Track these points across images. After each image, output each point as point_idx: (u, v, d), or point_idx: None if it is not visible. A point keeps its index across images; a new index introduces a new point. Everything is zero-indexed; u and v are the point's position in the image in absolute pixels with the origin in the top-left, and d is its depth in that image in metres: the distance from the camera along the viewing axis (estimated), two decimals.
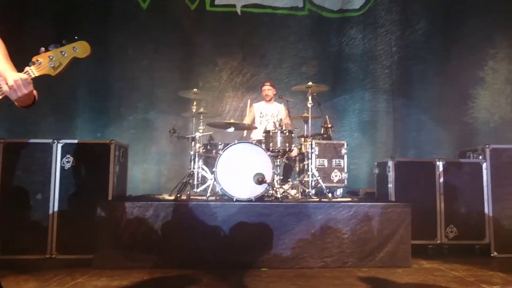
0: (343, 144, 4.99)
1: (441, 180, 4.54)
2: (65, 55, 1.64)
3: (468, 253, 4.46)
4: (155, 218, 3.77)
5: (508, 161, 4.57)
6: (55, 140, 4.22)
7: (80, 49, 1.65)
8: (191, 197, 4.38)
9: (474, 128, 6.33)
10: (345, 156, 4.95)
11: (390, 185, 4.59)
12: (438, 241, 4.46)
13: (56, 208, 4.13)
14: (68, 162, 4.20)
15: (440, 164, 4.58)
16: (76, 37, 1.65)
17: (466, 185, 4.57)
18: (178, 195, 4.27)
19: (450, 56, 6.39)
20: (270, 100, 5.59)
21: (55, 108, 5.85)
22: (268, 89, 5.55)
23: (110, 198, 4.19)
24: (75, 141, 4.32)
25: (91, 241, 3.76)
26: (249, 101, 5.81)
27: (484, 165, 4.58)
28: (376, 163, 5.14)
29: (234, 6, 6.51)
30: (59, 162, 4.19)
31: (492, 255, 4.41)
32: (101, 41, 5.99)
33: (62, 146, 4.22)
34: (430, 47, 6.45)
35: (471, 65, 6.38)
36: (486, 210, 4.51)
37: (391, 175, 4.58)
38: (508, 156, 4.58)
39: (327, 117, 5.06)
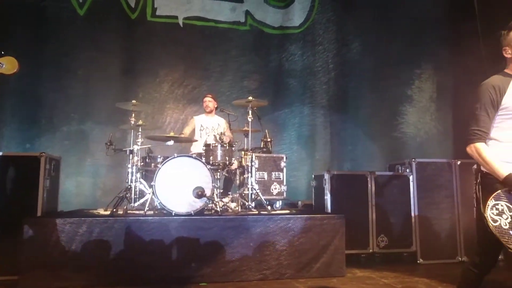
0: (283, 158, 5.11)
1: (373, 192, 4.80)
2: None
3: (397, 260, 4.74)
4: (88, 234, 3.61)
5: (432, 174, 4.94)
6: None
7: (7, 65, 1.57)
8: (128, 212, 4.24)
9: (403, 142, 6.79)
10: (284, 169, 5.08)
11: (327, 197, 4.77)
12: (370, 250, 4.70)
13: None
14: None
15: (372, 177, 4.84)
16: (2, 52, 1.56)
17: (395, 196, 4.87)
18: (114, 210, 4.12)
19: (382, 75, 6.81)
20: (210, 112, 5.59)
21: None
22: (209, 101, 5.56)
23: (39, 214, 3.95)
24: None
25: (16, 261, 3.51)
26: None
27: (411, 178, 4.91)
28: (313, 176, 5.32)
29: (176, 17, 6.47)
30: None
31: (418, 262, 4.72)
32: (33, 48, 5.64)
33: None
34: (364, 66, 6.84)
35: (400, 84, 6.87)
36: (413, 220, 4.84)
37: (327, 187, 4.77)
38: (432, 169, 4.95)
39: (266, 131, 5.17)
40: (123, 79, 6.10)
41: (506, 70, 2.30)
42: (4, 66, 1.54)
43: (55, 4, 5.94)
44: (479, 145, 2.19)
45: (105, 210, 4.57)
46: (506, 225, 2.05)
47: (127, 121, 4.90)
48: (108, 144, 4.66)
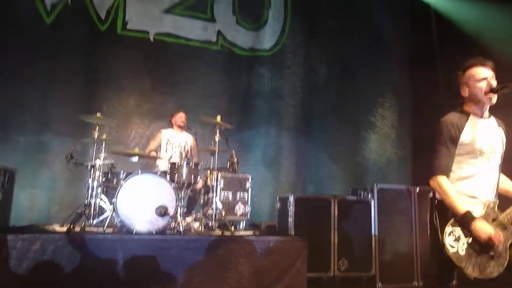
0: (248, 178, 5.12)
1: (336, 215, 4.87)
2: None
3: (357, 284, 4.78)
4: (42, 252, 3.41)
5: (392, 199, 5.07)
6: None
7: None
8: (86, 229, 4.07)
9: (365, 167, 6.99)
10: (249, 190, 5.08)
11: (290, 219, 4.77)
12: (331, 274, 4.72)
13: None
14: None
15: (335, 201, 4.92)
16: None
17: (357, 220, 4.95)
18: (71, 227, 3.95)
19: (346, 101, 7.05)
20: (183, 128, 5.51)
21: None
22: (184, 117, 5.48)
23: None
24: None
25: None
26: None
27: (372, 203, 5.02)
28: (278, 198, 5.32)
29: (147, 32, 6.42)
30: None
31: (377, 286, 4.79)
32: None
33: None
34: (329, 91, 7.06)
35: (364, 111, 7.12)
36: (373, 244, 4.92)
37: (291, 209, 4.79)
38: (391, 195, 5.09)
39: (233, 151, 5.17)
40: (87, 91, 5.92)
41: (464, 108, 2.42)
42: None
43: (20, 10, 5.74)
44: (441, 179, 2.27)
45: (61, 226, 4.35)
46: (462, 250, 2.14)
47: (90, 134, 4.74)
48: (69, 157, 4.48)
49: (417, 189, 5.13)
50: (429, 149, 2.39)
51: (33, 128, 5.63)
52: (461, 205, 2.19)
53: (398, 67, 7.23)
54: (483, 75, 2.31)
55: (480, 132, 2.33)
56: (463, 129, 2.31)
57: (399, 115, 7.28)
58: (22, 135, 5.57)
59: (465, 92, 2.37)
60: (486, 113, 2.40)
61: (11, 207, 4.40)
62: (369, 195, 5.09)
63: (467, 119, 2.35)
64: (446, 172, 2.30)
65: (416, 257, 4.98)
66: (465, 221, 2.16)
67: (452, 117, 2.37)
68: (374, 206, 5.00)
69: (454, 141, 2.31)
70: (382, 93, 7.25)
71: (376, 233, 4.93)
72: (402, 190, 5.15)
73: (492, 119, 2.43)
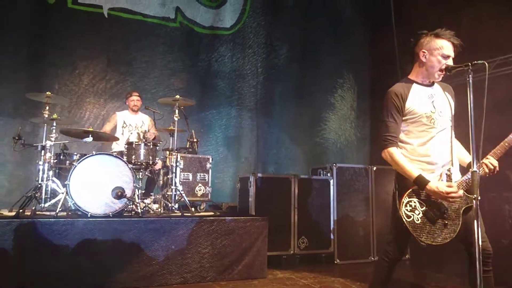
0: (208, 159, 5.05)
1: (296, 195, 4.92)
2: None
3: (316, 261, 4.91)
4: None
5: (349, 178, 5.20)
6: None
7: None
8: (37, 213, 3.87)
9: (325, 147, 7.10)
10: (210, 171, 5.03)
11: (251, 199, 4.79)
12: (292, 252, 4.80)
13: None
14: None
15: (295, 180, 4.96)
16: None
17: (316, 199, 5.05)
18: (21, 211, 3.74)
19: (307, 82, 7.07)
20: (137, 111, 5.35)
21: None
22: (137, 99, 5.31)
23: None
24: None
25: None
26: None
27: (331, 182, 5.12)
28: (238, 178, 5.31)
29: (100, 7, 6.08)
30: None
31: (335, 262, 4.93)
32: None
33: None
34: (290, 72, 7.05)
35: (324, 92, 7.19)
36: (331, 222, 5.04)
37: (252, 189, 4.79)
38: (350, 174, 5.21)
39: (193, 131, 5.07)
40: (36, 68, 5.57)
41: (409, 76, 2.47)
42: None
43: None
44: (392, 150, 2.34)
45: (10, 211, 4.13)
46: (418, 220, 2.24)
47: (39, 114, 4.46)
48: (16, 138, 4.21)
49: (374, 168, 5.27)
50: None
51: None
52: (413, 170, 2.26)
53: (357, 48, 7.32)
54: (448, 53, 2.33)
55: (425, 98, 2.38)
56: (407, 97, 2.36)
57: (358, 96, 7.41)
58: None
59: (424, 58, 2.36)
60: (431, 81, 2.44)
61: None
62: (328, 174, 5.18)
63: (411, 87, 2.39)
64: (395, 142, 2.35)
65: (372, 234, 5.16)
66: (419, 185, 2.24)
67: (396, 87, 2.40)
68: (333, 185, 5.10)
69: (399, 110, 2.35)
70: (342, 74, 7.34)
71: (335, 212, 5.05)
72: (360, 169, 5.28)
73: (436, 85, 2.48)
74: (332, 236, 5.01)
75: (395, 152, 2.33)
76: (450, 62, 2.34)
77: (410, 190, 2.27)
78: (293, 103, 7.02)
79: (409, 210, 2.24)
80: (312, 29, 7.20)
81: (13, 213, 3.85)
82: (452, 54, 2.34)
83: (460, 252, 2.34)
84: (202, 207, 5.02)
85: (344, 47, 7.25)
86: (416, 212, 2.25)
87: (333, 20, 7.31)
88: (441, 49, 2.32)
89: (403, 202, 2.25)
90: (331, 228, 5.03)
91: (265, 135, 6.84)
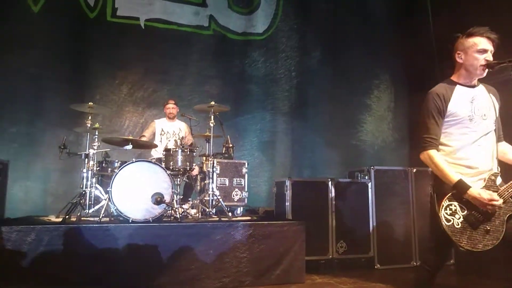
0: (244, 164, 5.09)
1: (333, 198, 4.86)
2: None
3: (356, 266, 4.80)
4: (37, 243, 3.37)
5: (388, 181, 5.07)
6: None
7: None
8: (82, 218, 4.04)
9: (362, 150, 6.97)
10: (246, 175, 5.06)
11: (287, 204, 4.76)
12: (330, 256, 4.73)
13: None
14: None
15: (332, 184, 4.90)
16: None
17: (354, 203, 4.95)
18: (67, 217, 3.91)
19: (341, 84, 6.99)
20: (173, 118, 5.48)
21: None
22: (172, 107, 5.45)
23: None
24: None
25: None
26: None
27: (369, 185, 5.01)
28: (274, 182, 5.30)
29: (137, 19, 6.30)
30: None
31: (375, 267, 4.81)
32: None
33: None
34: (324, 74, 6.99)
35: (359, 93, 7.07)
36: (370, 226, 4.93)
37: (288, 194, 4.77)
38: (388, 177, 5.08)
39: (228, 136, 5.13)
40: (79, 80, 5.84)
41: (451, 78, 2.40)
42: None
43: (7, 0, 5.61)
44: (432, 152, 2.27)
45: (57, 217, 4.33)
46: (458, 224, 2.16)
47: (82, 123, 4.69)
48: (62, 147, 4.43)
49: (414, 170, 5.12)
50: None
51: (25, 119, 5.56)
52: (453, 174, 2.19)
53: (393, 48, 7.15)
54: (484, 47, 2.25)
55: (468, 100, 2.30)
56: (449, 99, 2.28)
57: (395, 97, 7.23)
58: (15, 126, 5.50)
59: (460, 59, 2.31)
60: (475, 82, 2.37)
61: (5, 200, 4.36)
62: (366, 177, 5.07)
63: (454, 89, 2.32)
64: (435, 144, 2.28)
65: (413, 237, 5.00)
66: (460, 190, 2.16)
67: (439, 88, 2.33)
68: (372, 188, 4.99)
69: (441, 112, 2.28)
70: (377, 75, 7.19)
71: (374, 215, 4.94)
72: (399, 172, 5.14)
73: (481, 86, 2.39)
74: (371, 240, 4.90)
75: (435, 155, 2.26)
76: (489, 56, 2.26)
77: (451, 193, 2.19)
78: (328, 105, 6.95)
79: (448, 213, 2.16)
80: (344, 30, 7.12)
81: (59, 219, 4.02)
82: (489, 47, 2.26)
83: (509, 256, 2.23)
84: (238, 212, 5.05)
85: (378, 47, 7.11)
86: (457, 216, 2.16)
87: (366, 20, 7.20)
88: (474, 46, 2.26)
89: (442, 205, 2.17)
90: (370, 232, 4.92)
91: (300, 139, 6.80)
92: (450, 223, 2.15)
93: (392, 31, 7.23)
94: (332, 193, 4.87)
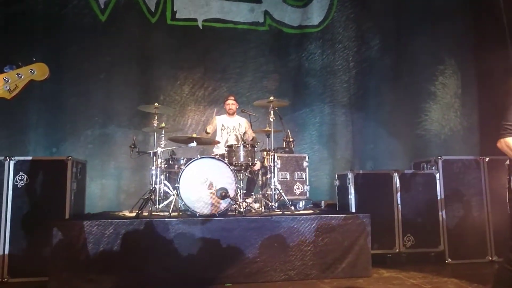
0: (305, 157, 5.08)
1: (398, 190, 4.71)
2: (22, 77, 1.57)
3: (424, 260, 4.63)
4: (115, 236, 3.65)
5: (458, 171, 4.82)
6: (7, 158, 4.03)
7: (38, 71, 1.59)
8: (153, 213, 4.28)
9: (427, 139, 6.66)
10: (307, 169, 5.05)
11: (351, 197, 4.71)
12: (397, 250, 4.61)
13: (8, 229, 3.92)
14: (21, 180, 4.01)
15: (396, 176, 4.75)
16: (34, 59, 1.59)
17: (421, 195, 4.77)
18: (140, 212, 4.17)
19: (402, 72, 6.72)
20: (233, 114, 5.61)
21: (6, 123, 5.56)
22: (232, 103, 5.57)
23: (67, 216, 4.03)
24: (29, 158, 4.13)
25: (46, 262, 3.59)
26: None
27: (437, 176, 4.80)
28: (336, 175, 5.25)
29: (195, 20, 6.51)
30: (11, 180, 4.00)
31: (446, 261, 4.61)
32: (55, 55, 5.70)
33: (14, 164, 4.03)
34: (384, 63, 6.76)
35: (423, 80, 6.74)
36: (440, 219, 4.72)
37: (351, 187, 4.71)
38: (458, 167, 4.83)
39: (288, 131, 5.14)
40: (144, 82, 6.18)
41: None
42: (35, 72, 1.56)
43: (77, 11, 6.06)
44: (510, 140, 2.13)
45: (130, 212, 4.62)
46: None
47: (149, 124, 4.97)
48: (132, 147, 4.74)
49: (487, 159, 4.82)
50: (498, 115, 2.21)
51: (99, 122, 5.99)
52: None
53: (459, 29, 6.72)
54: None
55: None
56: None
57: (463, 83, 6.81)
58: (90, 129, 5.94)
59: None
60: None
61: (85, 197, 4.73)
62: (433, 168, 4.86)
63: None
64: None
65: (488, 231, 4.72)
66: None
67: None
68: (440, 179, 4.78)
69: None
70: (442, 60, 6.80)
71: (443, 207, 4.73)
72: (470, 161, 4.87)
73: None
74: (441, 234, 4.69)
75: None
76: None
77: None
78: (389, 95, 6.72)
79: None
80: (405, 16, 6.82)
81: (133, 214, 4.30)
82: None
83: None
84: (301, 206, 5.07)
85: (442, 31, 6.71)
86: None
87: (427, 2, 6.83)
88: None
89: None
90: (440, 225, 4.71)
91: (361, 130, 6.65)
92: None
93: (458, 11, 6.81)
94: (397, 185, 4.73)
